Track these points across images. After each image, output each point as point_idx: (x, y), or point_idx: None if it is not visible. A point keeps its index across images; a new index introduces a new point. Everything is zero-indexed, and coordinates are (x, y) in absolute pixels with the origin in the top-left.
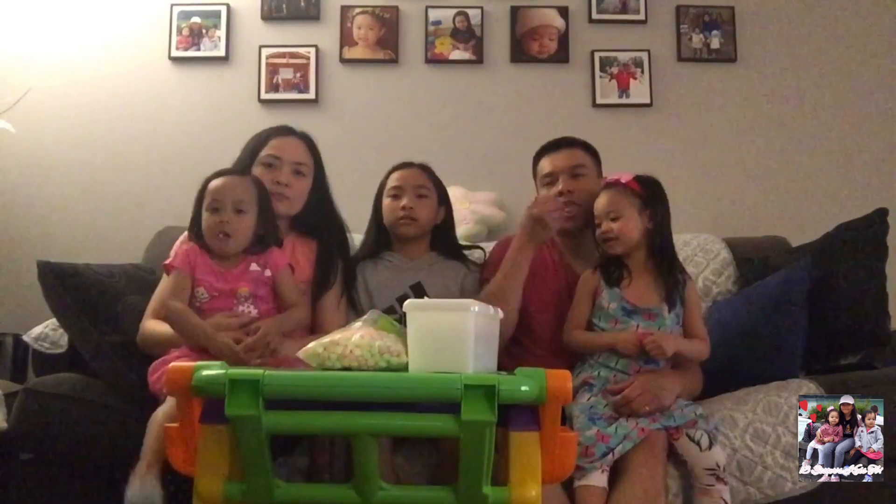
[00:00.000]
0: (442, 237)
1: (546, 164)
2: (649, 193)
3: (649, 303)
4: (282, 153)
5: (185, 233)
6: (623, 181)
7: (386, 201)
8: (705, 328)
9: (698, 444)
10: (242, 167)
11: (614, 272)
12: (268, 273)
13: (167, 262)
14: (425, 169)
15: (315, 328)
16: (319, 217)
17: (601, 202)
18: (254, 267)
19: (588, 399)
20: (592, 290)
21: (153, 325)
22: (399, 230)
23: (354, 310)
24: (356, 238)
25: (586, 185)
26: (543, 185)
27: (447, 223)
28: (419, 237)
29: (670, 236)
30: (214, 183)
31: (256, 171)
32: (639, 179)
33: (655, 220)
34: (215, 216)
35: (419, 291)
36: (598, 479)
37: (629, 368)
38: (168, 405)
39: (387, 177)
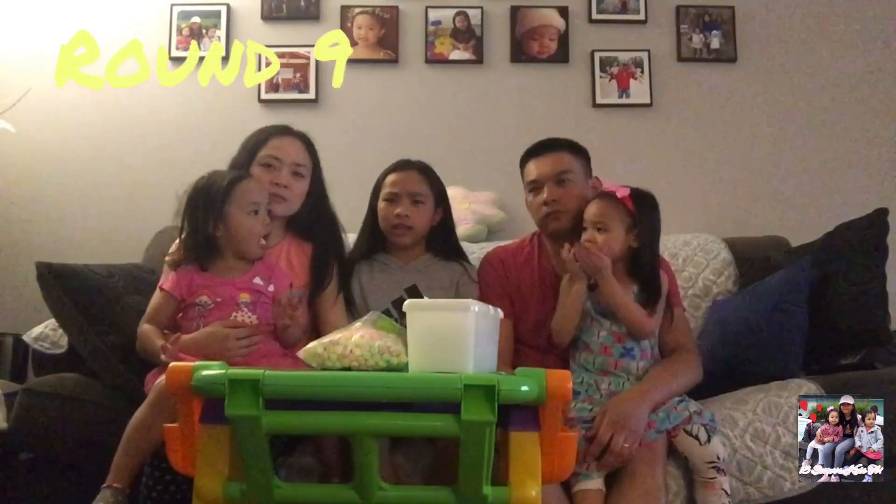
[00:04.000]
0: (439, 238)
1: (532, 170)
2: (641, 212)
3: None
4: (281, 154)
5: (177, 242)
6: (619, 195)
7: (381, 205)
8: (657, 317)
9: (697, 438)
10: (241, 166)
11: (590, 279)
12: (271, 288)
13: (160, 283)
14: (423, 170)
15: (315, 329)
16: (315, 218)
17: (592, 210)
18: (257, 280)
19: (574, 405)
20: None
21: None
22: (393, 238)
23: (350, 313)
24: (350, 238)
25: (572, 191)
26: (529, 190)
27: (445, 224)
28: (415, 243)
29: (656, 251)
30: (249, 186)
31: (255, 171)
32: (634, 196)
33: (641, 240)
34: (256, 219)
35: (415, 294)
36: (595, 482)
37: (606, 366)
38: (140, 413)
39: (383, 177)
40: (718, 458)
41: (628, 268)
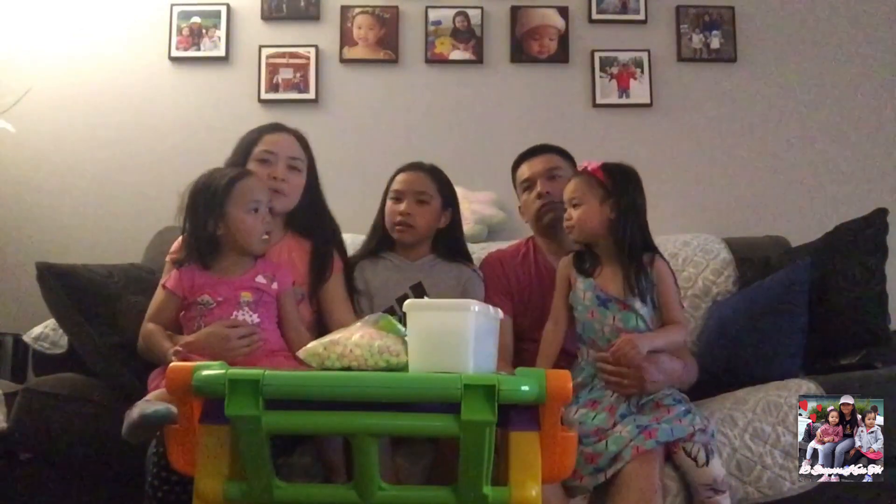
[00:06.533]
0: (445, 241)
1: (524, 170)
2: (614, 182)
3: (620, 292)
4: (276, 148)
5: (180, 239)
6: (589, 169)
7: (388, 203)
8: (682, 310)
9: (695, 459)
10: (237, 166)
11: (586, 261)
12: (275, 286)
13: (163, 281)
14: (433, 172)
15: (323, 320)
16: (312, 215)
17: (568, 189)
18: (260, 279)
19: (576, 412)
20: (566, 277)
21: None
22: (395, 234)
23: (353, 308)
24: (358, 238)
25: (563, 186)
26: (523, 190)
27: (453, 228)
28: (417, 243)
29: (639, 225)
30: (249, 184)
31: (252, 167)
32: (605, 168)
33: (619, 210)
34: (257, 217)
35: (419, 292)
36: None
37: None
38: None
39: (393, 177)
40: (716, 481)
41: (612, 245)
